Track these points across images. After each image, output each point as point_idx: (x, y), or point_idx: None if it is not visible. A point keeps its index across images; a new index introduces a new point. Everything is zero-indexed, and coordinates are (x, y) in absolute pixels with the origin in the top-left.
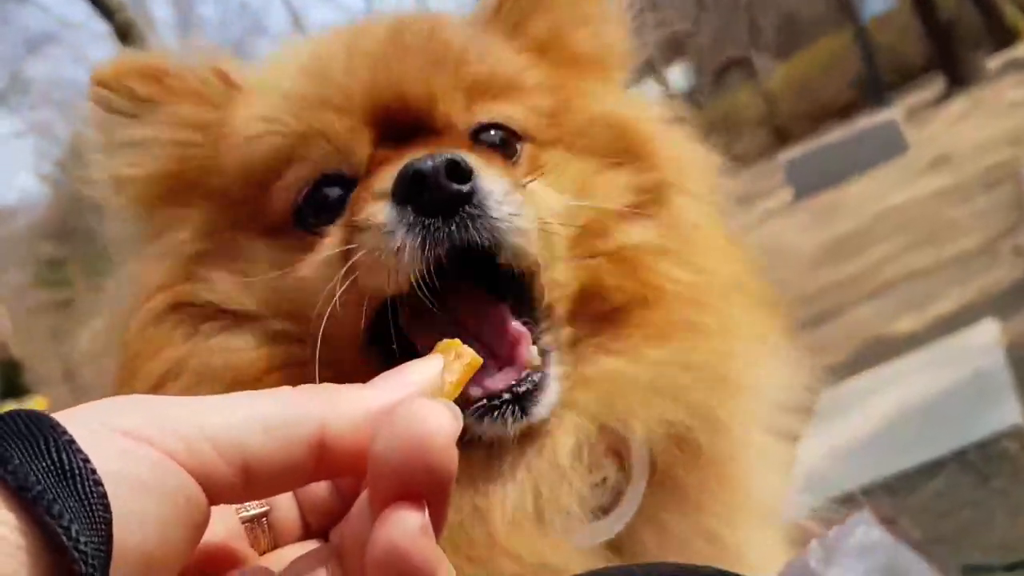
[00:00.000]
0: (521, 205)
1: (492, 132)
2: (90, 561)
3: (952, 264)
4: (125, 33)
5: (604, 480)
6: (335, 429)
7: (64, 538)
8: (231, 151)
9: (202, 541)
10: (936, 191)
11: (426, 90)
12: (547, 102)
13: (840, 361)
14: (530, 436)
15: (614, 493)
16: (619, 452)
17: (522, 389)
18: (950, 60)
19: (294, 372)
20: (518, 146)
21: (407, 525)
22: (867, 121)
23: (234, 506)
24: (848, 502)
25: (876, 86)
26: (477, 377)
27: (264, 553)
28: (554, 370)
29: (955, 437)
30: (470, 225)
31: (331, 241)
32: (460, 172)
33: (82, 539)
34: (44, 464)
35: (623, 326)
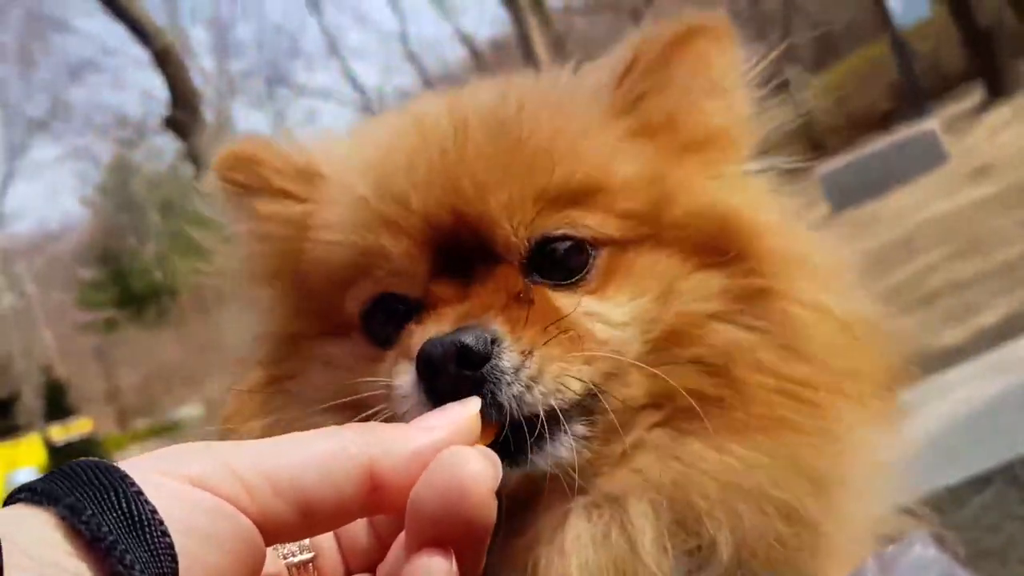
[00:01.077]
0: (532, 378)
1: (559, 244)
2: None
3: (996, 274)
4: (163, 58)
5: (688, 550)
6: (383, 465)
7: None
8: (311, 248)
9: None
10: (978, 201)
11: (484, 210)
12: (639, 200)
13: None
14: (597, 504)
15: (696, 560)
16: (691, 530)
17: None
18: (990, 68)
19: None
20: (590, 254)
21: (432, 572)
22: (905, 132)
23: (280, 552)
24: (907, 514)
25: (914, 96)
26: None
27: None
28: (574, 426)
29: (1002, 451)
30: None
31: (385, 367)
32: (471, 358)
33: None
34: (115, 515)
35: (696, 416)
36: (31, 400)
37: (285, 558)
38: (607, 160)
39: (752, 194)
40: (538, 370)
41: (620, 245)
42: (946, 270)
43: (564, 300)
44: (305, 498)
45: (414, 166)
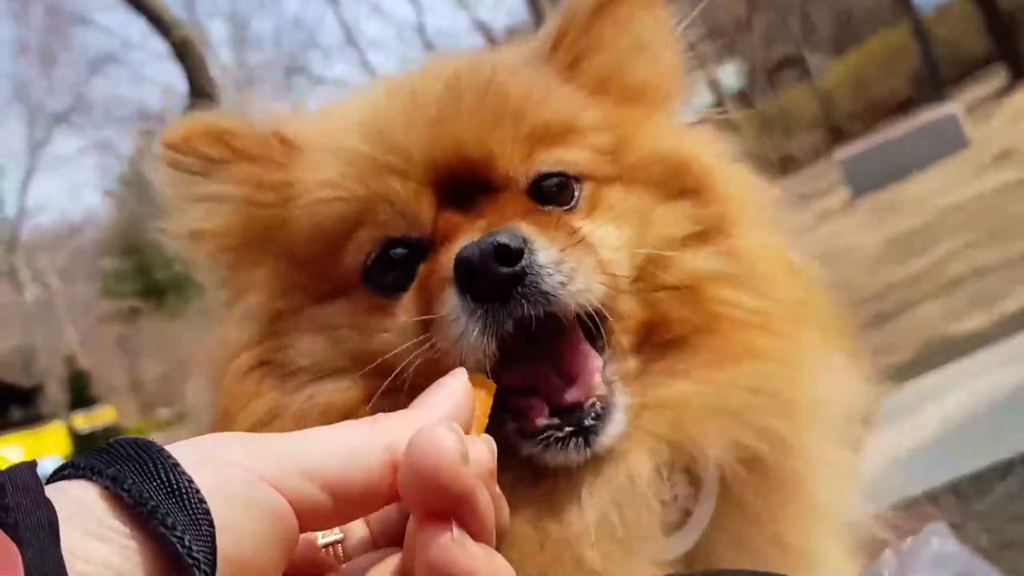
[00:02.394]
0: (573, 269)
1: (551, 180)
2: (202, 567)
3: (1019, 261)
4: (182, 51)
5: (675, 498)
6: (400, 450)
7: (179, 546)
8: (299, 214)
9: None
10: (1000, 186)
11: (485, 150)
12: (605, 139)
13: (904, 361)
14: (605, 461)
15: (683, 510)
16: (689, 470)
17: (586, 422)
18: (1012, 52)
19: (387, 403)
20: (576, 189)
21: (438, 542)
22: (925, 117)
23: (313, 535)
24: (916, 506)
25: (935, 81)
26: (544, 391)
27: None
28: (620, 399)
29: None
30: (525, 303)
31: (405, 308)
32: (509, 254)
33: (194, 547)
34: (155, 484)
35: (687, 351)
36: (55, 390)
37: (322, 537)
38: (573, 107)
39: (697, 139)
40: (575, 265)
41: (598, 181)
42: (968, 257)
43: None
44: (334, 483)
45: (411, 120)
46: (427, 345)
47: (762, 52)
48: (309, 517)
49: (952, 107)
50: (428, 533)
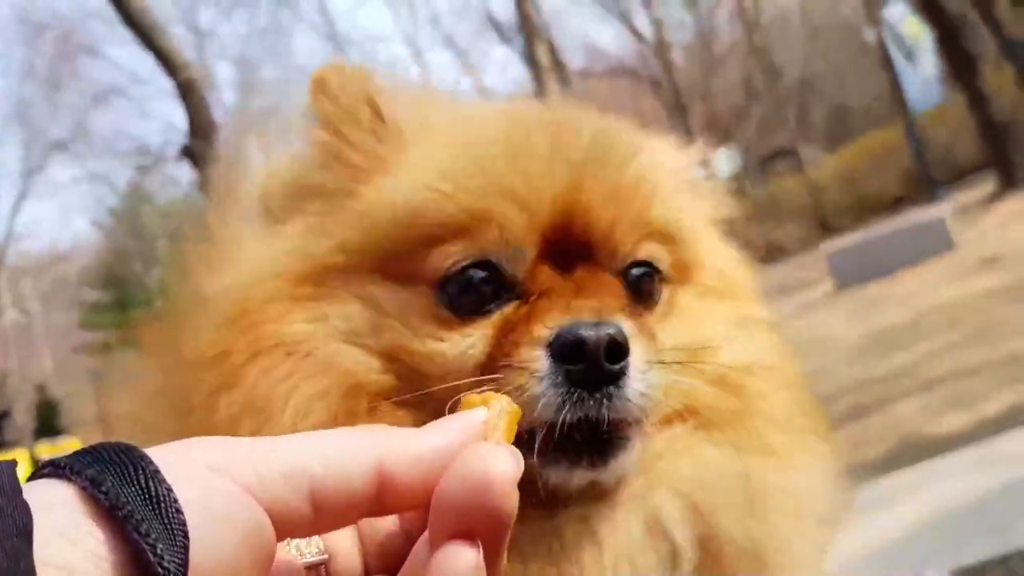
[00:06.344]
0: (655, 381)
1: (642, 269)
2: None
3: (1001, 365)
4: (187, 91)
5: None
6: (391, 463)
7: (151, 554)
8: (394, 194)
9: None
10: (984, 291)
11: (610, 224)
12: (689, 252)
13: (878, 456)
14: (622, 499)
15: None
16: (674, 541)
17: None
18: (1003, 160)
19: (399, 409)
20: (659, 289)
21: (461, 561)
22: (913, 217)
23: (295, 550)
24: None
25: (927, 181)
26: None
27: None
28: (637, 440)
29: (998, 543)
30: (605, 404)
31: (477, 334)
32: (617, 351)
33: (166, 557)
34: (133, 490)
35: (711, 433)
36: (23, 417)
37: (301, 556)
38: (683, 215)
39: (732, 257)
40: (655, 382)
41: (671, 285)
42: (949, 357)
43: (654, 325)
44: (316, 491)
45: (552, 159)
46: (488, 381)
47: (757, 141)
48: (288, 525)
49: (942, 209)
50: (453, 551)
